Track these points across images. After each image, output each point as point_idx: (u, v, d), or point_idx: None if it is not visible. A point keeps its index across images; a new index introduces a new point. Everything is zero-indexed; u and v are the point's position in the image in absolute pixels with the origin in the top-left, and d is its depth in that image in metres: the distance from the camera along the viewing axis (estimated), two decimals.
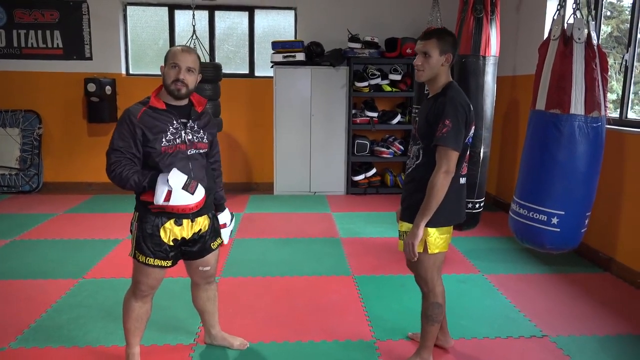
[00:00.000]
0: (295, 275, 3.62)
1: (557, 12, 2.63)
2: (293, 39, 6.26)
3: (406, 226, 2.26)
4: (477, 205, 3.66)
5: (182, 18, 6.22)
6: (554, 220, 2.53)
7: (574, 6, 2.55)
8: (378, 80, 6.06)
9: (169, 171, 2.08)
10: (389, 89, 6.11)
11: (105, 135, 6.13)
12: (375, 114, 6.18)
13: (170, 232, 2.18)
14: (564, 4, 2.63)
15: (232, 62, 6.42)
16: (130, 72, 6.33)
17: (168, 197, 2.02)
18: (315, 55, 5.95)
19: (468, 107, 2.15)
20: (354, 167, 6.26)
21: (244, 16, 6.33)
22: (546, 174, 2.55)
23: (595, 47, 2.49)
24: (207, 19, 6.26)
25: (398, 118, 6.18)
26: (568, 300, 3.27)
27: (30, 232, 4.54)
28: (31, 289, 3.31)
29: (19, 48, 6.03)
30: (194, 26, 5.28)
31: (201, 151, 2.23)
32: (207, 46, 6.05)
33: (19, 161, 6.05)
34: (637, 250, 3.53)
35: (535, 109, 2.63)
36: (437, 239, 2.22)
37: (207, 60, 5.77)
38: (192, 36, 5.28)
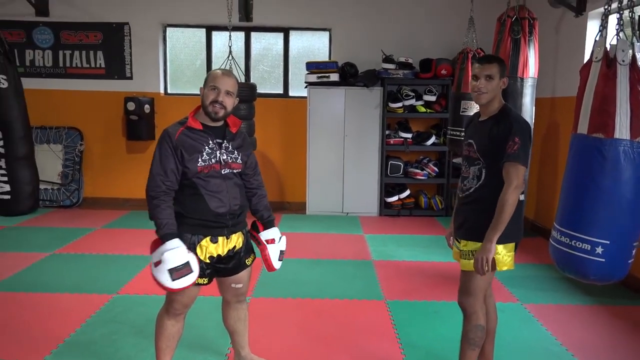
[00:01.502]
0: (326, 298, 3.57)
1: (599, 33, 2.54)
2: (327, 59, 6.31)
3: (472, 245, 2.26)
4: None
5: (219, 39, 6.36)
6: (599, 250, 2.40)
7: (617, 27, 2.46)
8: (412, 101, 6.03)
9: (208, 190, 2.16)
10: (423, 109, 6.06)
11: (142, 152, 6.28)
12: (409, 135, 6.13)
13: (206, 249, 2.20)
14: (606, 24, 2.55)
15: (267, 82, 6.51)
16: (168, 91, 6.49)
17: (157, 264, 2.07)
18: (349, 75, 5.97)
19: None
20: (387, 189, 6.20)
21: (279, 37, 6.43)
22: (589, 201, 2.43)
23: None
24: (244, 40, 6.39)
25: (432, 139, 6.11)
26: (614, 333, 3.11)
27: (68, 246, 4.65)
28: (67, 302, 3.38)
29: (64, 68, 6.28)
30: (230, 47, 5.38)
31: (235, 171, 2.27)
32: (242, 67, 6.16)
33: (61, 176, 6.26)
34: None
35: (577, 133, 2.53)
36: (504, 256, 2.25)
37: (243, 81, 5.87)
38: (229, 57, 5.38)
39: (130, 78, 6.31)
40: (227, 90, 2.17)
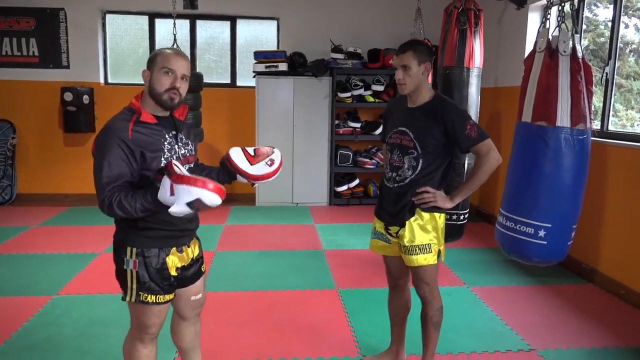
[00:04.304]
0: (278, 289, 3.54)
1: (542, 24, 2.63)
2: (275, 49, 6.22)
3: (426, 219, 2.22)
4: (461, 217, 3.64)
5: (163, 27, 6.12)
6: (541, 233, 2.51)
7: (559, 19, 2.55)
8: (361, 91, 6.05)
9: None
10: (371, 99, 6.10)
11: (81, 145, 5.97)
12: (358, 125, 6.16)
13: (174, 262, 1.94)
14: (548, 16, 2.64)
15: (214, 72, 6.34)
16: (109, 81, 6.20)
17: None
18: (298, 65, 5.92)
19: None
20: (336, 178, 6.21)
21: (225, 26, 6.26)
22: (533, 187, 2.53)
23: (580, 59, 2.49)
24: (189, 28, 6.18)
25: (381, 129, 6.16)
26: (554, 312, 3.26)
27: (1, 246, 4.36)
28: (1, 307, 3.16)
29: None
30: (174, 35, 5.18)
31: (191, 165, 2.05)
32: (188, 56, 5.94)
33: None
34: (619, 261, 3.55)
35: (522, 121, 2.62)
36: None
37: None
38: (173, 45, 5.18)
39: (67, 67, 5.96)
40: (184, 74, 1.90)
